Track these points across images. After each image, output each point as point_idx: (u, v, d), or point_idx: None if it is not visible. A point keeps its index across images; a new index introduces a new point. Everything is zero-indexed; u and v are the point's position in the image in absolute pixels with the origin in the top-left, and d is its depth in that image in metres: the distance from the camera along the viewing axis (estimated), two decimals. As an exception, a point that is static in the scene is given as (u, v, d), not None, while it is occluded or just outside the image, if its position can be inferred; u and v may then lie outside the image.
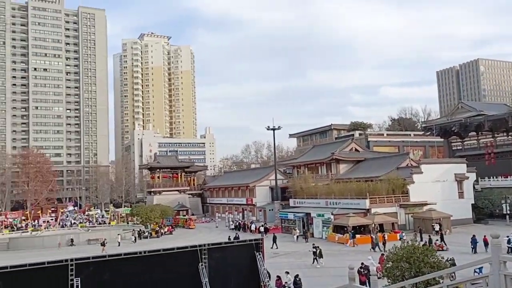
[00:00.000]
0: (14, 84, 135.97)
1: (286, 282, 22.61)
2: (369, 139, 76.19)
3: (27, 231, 61.87)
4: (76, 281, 14.47)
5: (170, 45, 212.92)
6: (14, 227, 68.64)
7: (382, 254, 24.70)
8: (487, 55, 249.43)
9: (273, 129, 62.97)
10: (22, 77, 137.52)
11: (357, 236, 40.87)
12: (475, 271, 18.49)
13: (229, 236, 43.64)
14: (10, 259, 40.53)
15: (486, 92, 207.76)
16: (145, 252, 16.63)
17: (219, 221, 68.95)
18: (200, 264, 16.59)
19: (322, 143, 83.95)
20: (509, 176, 56.64)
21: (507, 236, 32.02)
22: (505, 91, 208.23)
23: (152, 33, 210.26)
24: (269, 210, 67.70)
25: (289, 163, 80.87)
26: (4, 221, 69.76)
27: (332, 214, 45.83)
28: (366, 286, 17.55)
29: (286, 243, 43.75)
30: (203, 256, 16.81)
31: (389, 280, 17.17)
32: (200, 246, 17.09)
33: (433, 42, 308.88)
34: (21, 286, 14.11)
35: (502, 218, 51.54)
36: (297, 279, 22.07)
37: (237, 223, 60.87)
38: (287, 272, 23.78)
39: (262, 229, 49.50)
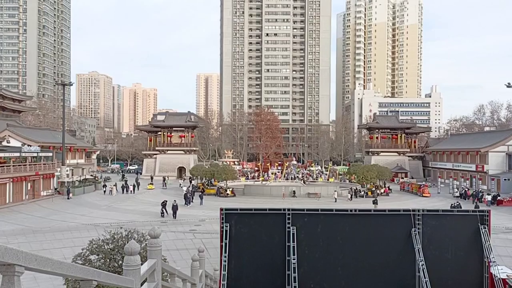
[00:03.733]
0: (250, 50, 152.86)
1: None
2: None
3: (258, 181, 70.50)
4: (292, 229, 15.53)
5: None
6: (249, 175, 79.08)
7: None
8: None
9: (515, 86, 53.64)
10: (256, 43, 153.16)
11: None
12: None
13: (451, 204, 40.29)
14: (243, 202, 47.15)
15: None
16: (355, 210, 16.66)
17: (442, 187, 64.21)
18: (413, 230, 15.70)
19: None
20: None
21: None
22: None
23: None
24: (504, 179, 59.23)
25: (535, 126, 68.01)
26: (240, 170, 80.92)
27: None
28: None
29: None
30: (417, 222, 15.83)
31: None
32: (413, 210, 16.10)
33: None
34: (248, 226, 16.05)
35: None
36: None
37: (463, 191, 55.47)
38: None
39: (489, 198, 43.81)
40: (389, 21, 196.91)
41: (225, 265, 14.65)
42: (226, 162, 79.58)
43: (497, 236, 28.88)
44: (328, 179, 72.70)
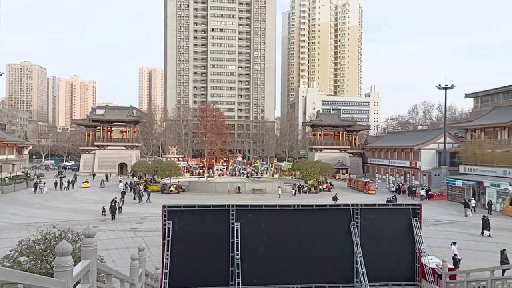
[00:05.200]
0: (196, 44, 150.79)
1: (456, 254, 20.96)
2: None
3: (203, 177, 70.01)
4: (236, 225, 15.52)
5: (338, 0, 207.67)
6: (193, 172, 78.29)
7: None
8: None
9: (445, 88, 57.01)
10: (202, 38, 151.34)
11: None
12: None
13: (388, 198, 42.23)
14: (187, 199, 46.58)
15: None
16: (299, 206, 16.91)
17: (379, 182, 67.06)
18: (351, 224, 16.26)
19: (506, 104, 72.94)
20: None
21: None
22: None
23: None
24: (435, 175, 63.04)
25: (462, 126, 72.70)
26: (185, 166, 79.90)
27: (510, 185, 40.18)
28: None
29: (452, 212, 40.39)
30: (356, 216, 16.41)
31: None
32: (352, 205, 16.66)
33: None
34: (192, 222, 15.81)
35: None
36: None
37: (398, 186, 58.35)
38: (454, 243, 21.90)
39: (422, 192, 46.58)
40: (332, 22, 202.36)
41: (167, 263, 14.37)
42: (170, 158, 78.31)
43: (428, 228, 30.63)
44: (272, 175, 73.61)
